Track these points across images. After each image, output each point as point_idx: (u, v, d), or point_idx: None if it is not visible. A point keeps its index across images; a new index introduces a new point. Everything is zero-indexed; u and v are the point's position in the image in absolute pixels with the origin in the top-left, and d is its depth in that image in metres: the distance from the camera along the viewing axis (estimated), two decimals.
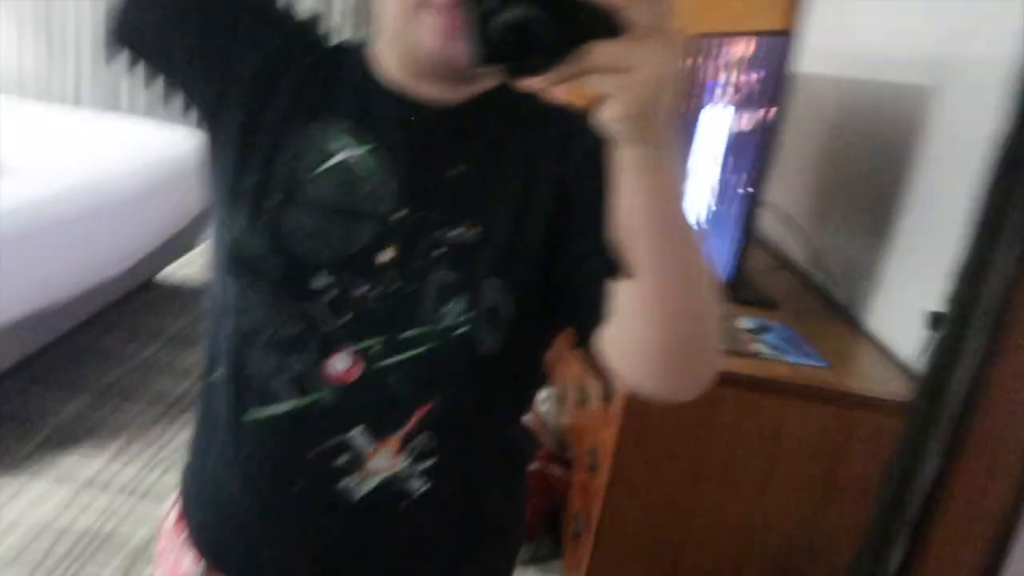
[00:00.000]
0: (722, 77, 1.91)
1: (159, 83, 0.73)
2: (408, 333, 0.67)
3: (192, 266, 3.60)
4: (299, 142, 0.69)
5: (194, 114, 0.73)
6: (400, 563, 0.76)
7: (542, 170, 0.69)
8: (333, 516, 0.72)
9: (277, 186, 0.68)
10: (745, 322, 1.62)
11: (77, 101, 4.01)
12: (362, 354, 0.67)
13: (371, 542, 0.74)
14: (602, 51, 0.43)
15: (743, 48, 1.79)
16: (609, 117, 0.46)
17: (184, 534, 0.82)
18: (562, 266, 0.67)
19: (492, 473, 0.78)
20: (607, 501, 1.51)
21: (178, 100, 0.73)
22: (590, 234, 0.62)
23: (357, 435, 0.69)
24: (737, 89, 1.80)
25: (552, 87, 0.45)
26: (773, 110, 1.54)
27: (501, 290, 0.66)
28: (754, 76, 1.70)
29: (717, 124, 1.93)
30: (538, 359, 0.75)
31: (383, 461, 0.70)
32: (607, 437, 1.59)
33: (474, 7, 0.44)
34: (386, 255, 0.67)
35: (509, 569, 0.88)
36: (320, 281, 0.67)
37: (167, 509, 0.88)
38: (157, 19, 0.70)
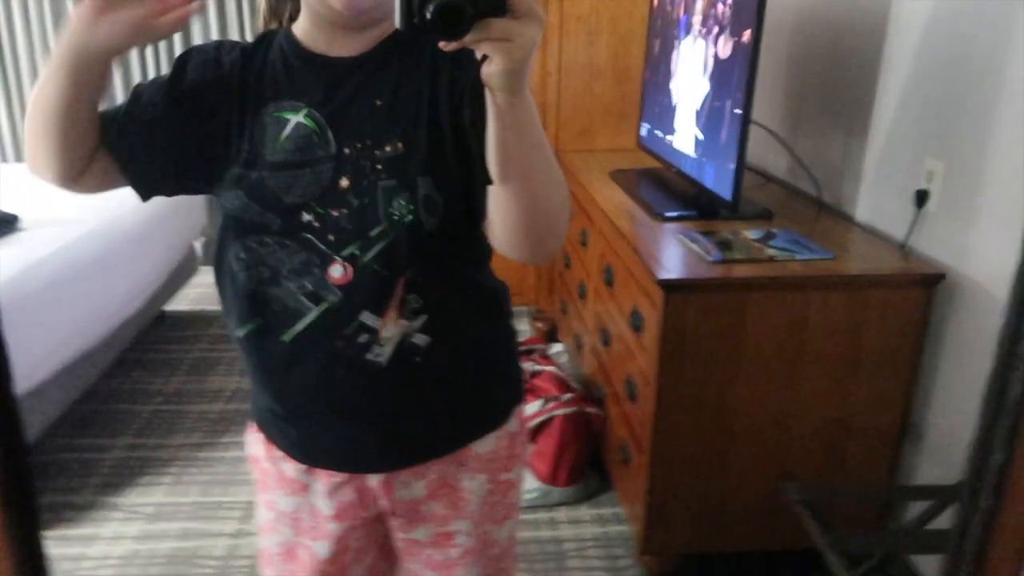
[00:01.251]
0: (697, 8, 2.01)
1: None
2: (374, 232, 0.87)
3: (197, 291, 3.67)
4: (259, 128, 0.90)
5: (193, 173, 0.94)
6: (431, 405, 0.97)
7: (442, 85, 0.87)
8: (374, 383, 0.92)
9: (255, 163, 0.90)
10: (752, 233, 1.74)
11: None
12: (349, 259, 0.88)
13: (407, 395, 0.94)
14: (494, 25, 0.63)
15: None
16: (492, 72, 0.66)
17: (276, 452, 1.01)
18: (465, 166, 0.87)
19: (474, 314, 0.98)
20: (658, 420, 1.63)
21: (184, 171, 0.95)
22: (475, 147, 0.82)
23: (366, 316, 0.89)
24: (711, 18, 1.90)
25: (457, 48, 0.65)
26: (748, 32, 1.65)
27: (431, 184, 0.87)
28: (724, 3, 1.80)
29: (695, 55, 2.03)
30: (473, 229, 0.93)
31: (391, 329, 0.90)
32: (643, 364, 1.70)
33: None
34: (344, 183, 0.88)
35: (518, 396, 1.08)
36: (307, 216, 0.88)
37: (248, 444, 1.06)
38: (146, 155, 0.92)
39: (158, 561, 1.96)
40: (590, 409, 2.17)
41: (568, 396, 2.19)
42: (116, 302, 2.50)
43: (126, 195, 0.96)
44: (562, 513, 2.12)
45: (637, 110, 2.67)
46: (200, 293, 3.70)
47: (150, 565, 1.95)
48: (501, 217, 0.82)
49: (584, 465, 2.17)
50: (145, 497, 2.22)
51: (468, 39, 0.64)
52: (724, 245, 1.67)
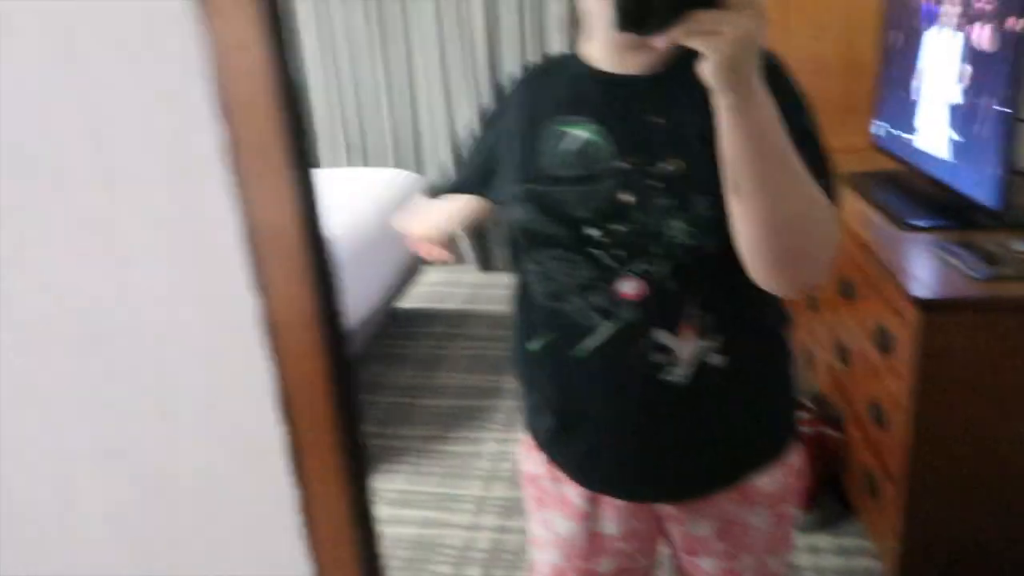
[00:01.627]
0: None
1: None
2: (658, 249, 0.86)
3: (422, 290, 3.90)
4: (545, 142, 0.92)
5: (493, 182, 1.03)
6: (721, 429, 0.95)
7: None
8: (668, 403, 0.91)
9: (541, 177, 0.91)
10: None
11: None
12: (640, 275, 0.87)
13: (701, 416, 0.93)
14: (702, 18, 0.61)
15: None
16: (707, 70, 0.64)
17: (559, 474, 1.03)
18: None
19: (764, 336, 0.97)
20: (914, 451, 1.53)
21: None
22: None
23: (659, 334, 0.88)
24: (968, 6, 1.73)
25: (666, 44, 0.63)
26: (1015, 20, 1.49)
27: (710, 205, 0.83)
28: None
29: (946, 47, 1.87)
30: None
31: (687, 347, 0.89)
32: (893, 387, 1.60)
33: None
34: (627, 198, 0.87)
35: (796, 425, 1.04)
36: (593, 231, 0.88)
37: (522, 459, 1.09)
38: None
39: (403, 545, 2.13)
40: (828, 430, 2.06)
41: (804, 415, 2.09)
42: (366, 293, 2.78)
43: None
44: (797, 540, 2.02)
45: (867, 107, 2.49)
46: (425, 292, 3.94)
47: (397, 548, 2.12)
48: (740, 234, 0.77)
49: (821, 490, 2.07)
50: (387, 483, 2.41)
51: (675, 33, 0.62)
52: (991, 259, 1.53)
